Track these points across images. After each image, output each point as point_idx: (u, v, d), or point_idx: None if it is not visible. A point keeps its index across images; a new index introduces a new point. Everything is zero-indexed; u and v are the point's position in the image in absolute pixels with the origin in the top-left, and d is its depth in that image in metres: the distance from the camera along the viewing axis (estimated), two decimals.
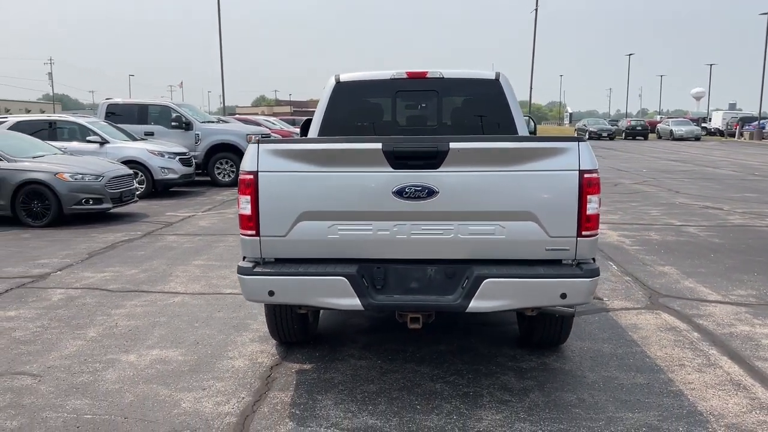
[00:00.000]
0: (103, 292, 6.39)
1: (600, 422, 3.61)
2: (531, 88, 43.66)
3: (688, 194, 14.08)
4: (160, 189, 14.19)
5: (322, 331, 5.19)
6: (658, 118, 72.17)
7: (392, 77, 5.80)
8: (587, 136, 49.04)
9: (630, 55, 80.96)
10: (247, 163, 3.72)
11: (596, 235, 3.72)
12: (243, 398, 3.96)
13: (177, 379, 4.26)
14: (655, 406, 3.81)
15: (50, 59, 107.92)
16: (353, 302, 3.66)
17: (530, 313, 4.02)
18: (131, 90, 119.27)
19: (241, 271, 3.76)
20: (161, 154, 14.11)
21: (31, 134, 12.82)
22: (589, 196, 3.62)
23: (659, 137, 50.88)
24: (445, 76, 5.78)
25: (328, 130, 5.75)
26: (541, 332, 4.57)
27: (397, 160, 3.60)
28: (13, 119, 14.47)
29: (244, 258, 3.87)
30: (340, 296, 3.66)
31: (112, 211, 11.28)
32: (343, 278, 3.64)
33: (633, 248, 8.28)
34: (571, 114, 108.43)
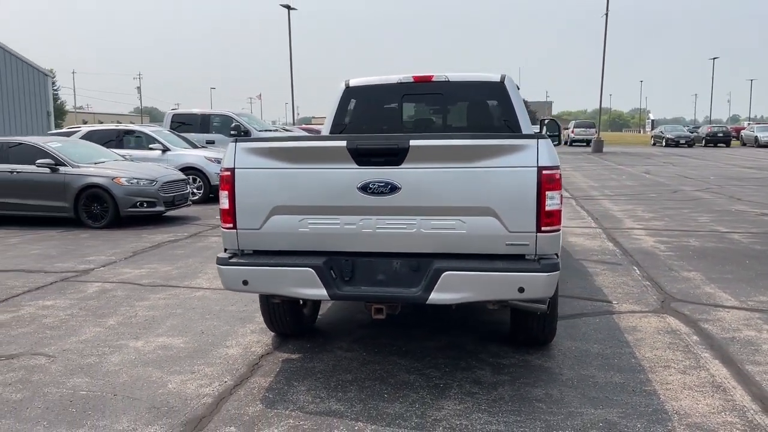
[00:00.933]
0: (134, 286, 6.84)
1: (558, 416, 3.65)
2: (601, 94, 42.45)
3: (750, 201, 13.47)
4: (216, 194, 14.84)
5: (323, 324, 5.40)
6: (745, 124, 68.71)
7: (399, 81, 5.99)
8: (664, 144, 47.32)
9: (714, 58, 77.63)
10: (226, 161, 3.99)
11: (557, 230, 3.76)
12: (225, 382, 4.22)
13: (172, 363, 4.57)
14: (621, 403, 3.80)
15: (139, 74, 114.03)
16: (320, 292, 3.85)
17: (492, 306, 4.09)
18: (212, 102, 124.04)
19: (219, 261, 4.02)
20: (218, 161, 14.76)
21: (103, 143, 13.76)
22: (548, 192, 3.67)
23: (743, 144, 48.44)
24: (450, 80, 5.91)
25: (337, 132, 6.00)
26: (525, 330, 4.61)
27: (361, 157, 3.77)
28: (85, 129, 15.54)
29: (225, 250, 4.13)
30: (307, 286, 3.86)
31: (166, 214, 11.93)
32: (311, 269, 3.84)
33: (665, 254, 8.07)
34: (653, 121, 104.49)
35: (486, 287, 3.70)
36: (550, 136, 7.97)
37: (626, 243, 8.85)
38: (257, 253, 4.07)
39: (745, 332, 5.05)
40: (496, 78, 5.87)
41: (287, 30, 40.22)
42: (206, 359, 4.64)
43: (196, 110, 17.92)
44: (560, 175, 3.77)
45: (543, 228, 3.70)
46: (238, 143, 3.98)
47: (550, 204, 3.69)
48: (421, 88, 6.05)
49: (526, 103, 7.01)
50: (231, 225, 4.02)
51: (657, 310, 5.70)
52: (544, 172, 3.66)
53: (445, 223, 3.78)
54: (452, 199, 3.74)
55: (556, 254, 3.80)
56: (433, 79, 5.96)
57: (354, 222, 3.86)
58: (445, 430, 3.51)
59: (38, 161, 11.11)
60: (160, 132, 15.44)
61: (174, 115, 17.62)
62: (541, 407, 3.76)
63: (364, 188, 3.78)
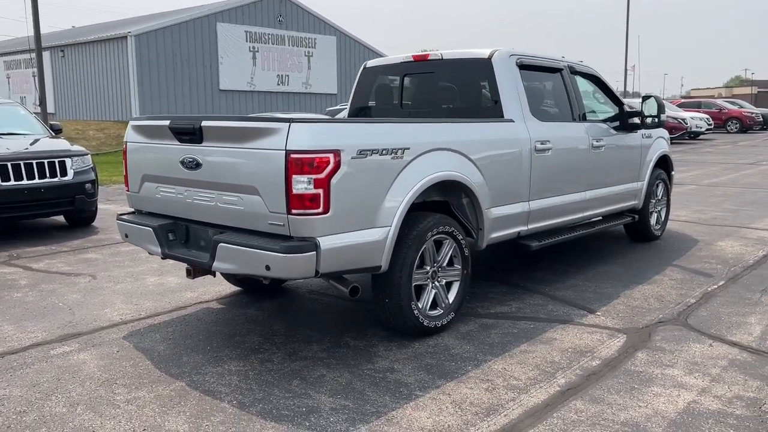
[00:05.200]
0: None
1: (288, 394, 3.73)
2: None
3: None
4: None
5: (298, 286, 5.94)
6: None
7: (401, 61, 6.08)
8: None
9: None
10: (125, 136, 4.94)
11: (313, 214, 3.76)
12: (140, 316, 5.21)
13: (138, 297, 5.73)
14: (364, 400, 3.65)
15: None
16: (158, 250, 4.57)
17: (266, 282, 4.20)
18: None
19: (117, 217, 5.02)
20: None
21: None
22: (294, 176, 3.72)
23: None
24: (444, 57, 5.79)
25: (354, 112, 6.43)
26: (385, 319, 4.56)
27: (177, 135, 4.33)
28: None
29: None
30: (152, 244, 4.61)
31: None
32: (150, 230, 4.56)
33: None
34: None
35: (243, 261, 3.95)
36: (647, 117, 6.96)
37: None
38: (151, 214, 4.93)
39: (671, 370, 4.02)
40: (485, 54, 5.49)
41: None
42: (163, 298, 5.69)
43: None
44: (325, 160, 3.75)
45: (293, 211, 3.77)
46: (130, 122, 4.88)
47: (299, 188, 3.73)
48: (419, 68, 5.99)
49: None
50: (127, 189, 4.96)
51: (624, 330, 4.76)
52: (291, 155, 3.72)
53: (230, 199, 4.11)
54: (232, 178, 4.06)
55: (319, 238, 3.80)
56: (429, 58, 5.87)
57: (182, 192, 4.45)
58: (191, 381, 3.94)
59: None
60: None
61: None
62: (290, 385, 3.86)
63: (182, 163, 4.34)
